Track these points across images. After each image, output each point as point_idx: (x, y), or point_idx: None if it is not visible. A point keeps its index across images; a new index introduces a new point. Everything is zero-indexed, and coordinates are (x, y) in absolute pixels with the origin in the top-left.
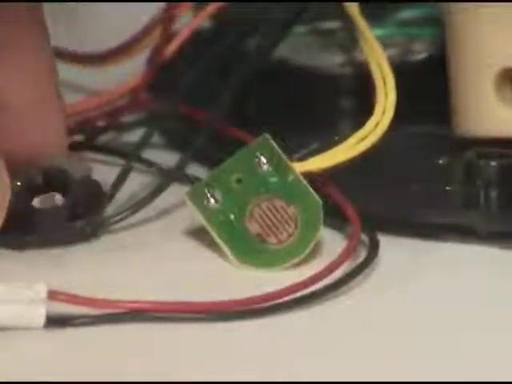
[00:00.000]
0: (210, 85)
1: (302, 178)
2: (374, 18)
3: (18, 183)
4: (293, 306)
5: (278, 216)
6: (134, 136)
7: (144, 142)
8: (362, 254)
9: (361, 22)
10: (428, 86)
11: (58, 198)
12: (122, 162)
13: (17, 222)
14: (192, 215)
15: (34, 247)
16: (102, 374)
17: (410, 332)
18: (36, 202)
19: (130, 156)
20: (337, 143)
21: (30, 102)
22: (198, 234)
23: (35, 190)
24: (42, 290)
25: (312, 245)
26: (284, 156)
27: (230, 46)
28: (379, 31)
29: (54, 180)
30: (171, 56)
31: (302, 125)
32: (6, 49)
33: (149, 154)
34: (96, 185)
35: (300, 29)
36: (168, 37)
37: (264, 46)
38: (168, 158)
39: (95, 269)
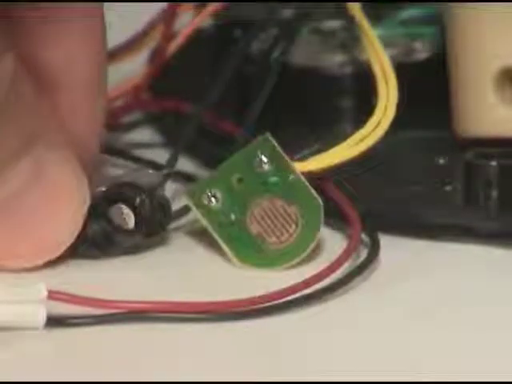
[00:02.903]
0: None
1: (302, 177)
2: (375, 18)
3: (103, 189)
4: (293, 306)
5: (279, 216)
6: (136, 136)
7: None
8: (363, 254)
9: (363, 22)
10: (429, 85)
11: (126, 213)
12: (124, 162)
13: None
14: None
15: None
16: (102, 374)
17: (410, 332)
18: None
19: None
20: (338, 143)
21: (81, 86)
22: (199, 234)
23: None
24: (42, 290)
25: (312, 245)
26: (285, 155)
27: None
28: (380, 31)
29: (122, 191)
30: (172, 56)
31: (303, 125)
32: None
33: (150, 155)
34: (164, 200)
35: (300, 29)
36: (169, 36)
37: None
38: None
39: (95, 269)
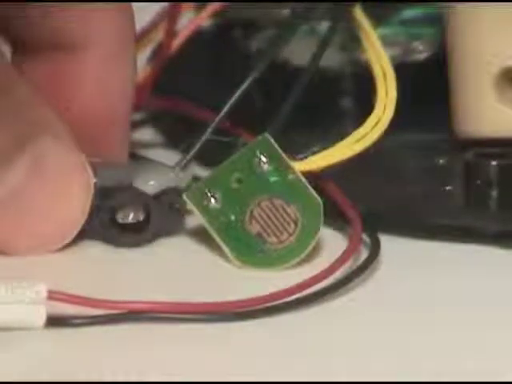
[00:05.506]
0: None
1: (302, 177)
2: (375, 18)
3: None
4: (293, 307)
5: (279, 216)
6: (138, 135)
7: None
8: (363, 255)
9: (363, 22)
10: (429, 85)
11: (137, 212)
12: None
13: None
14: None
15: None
16: (102, 374)
17: (411, 332)
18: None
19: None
20: (337, 142)
21: (110, 52)
22: (198, 234)
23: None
24: (42, 290)
25: (312, 245)
26: (284, 155)
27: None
28: (380, 31)
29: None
30: (173, 55)
31: (303, 125)
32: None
33: (152, 154)
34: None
35: (300, 28)
36: (171, 36)
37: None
38: (169, 158)
39: (95, 269)
